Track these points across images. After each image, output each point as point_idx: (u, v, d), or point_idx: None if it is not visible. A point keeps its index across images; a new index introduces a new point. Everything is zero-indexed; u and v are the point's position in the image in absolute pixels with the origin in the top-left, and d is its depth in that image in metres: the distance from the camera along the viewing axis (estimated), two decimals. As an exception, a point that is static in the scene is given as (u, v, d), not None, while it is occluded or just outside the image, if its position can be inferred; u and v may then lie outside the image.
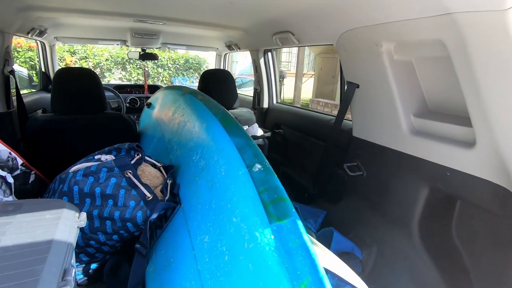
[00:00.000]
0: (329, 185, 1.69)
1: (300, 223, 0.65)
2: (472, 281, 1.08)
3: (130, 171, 1.09)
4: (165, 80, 8.23)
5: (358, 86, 1.38)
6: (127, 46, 3.24)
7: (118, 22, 2.23)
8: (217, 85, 2.27)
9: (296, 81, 9.15)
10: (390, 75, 1.18)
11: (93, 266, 1.21)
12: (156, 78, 8.04)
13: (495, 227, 1.02)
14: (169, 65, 8.14)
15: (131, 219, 1.02)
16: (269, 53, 2.47)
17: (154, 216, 1.00)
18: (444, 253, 1.14)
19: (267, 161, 0.89)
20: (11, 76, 1.87)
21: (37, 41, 2.74)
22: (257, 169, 0.85)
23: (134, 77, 7.78)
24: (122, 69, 7.70)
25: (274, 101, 2.62)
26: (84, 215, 0.82)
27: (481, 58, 0.78)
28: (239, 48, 2.72)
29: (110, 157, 1.16)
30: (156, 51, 3.40)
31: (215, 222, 0.82)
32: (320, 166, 1.71)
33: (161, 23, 2.13)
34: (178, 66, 8.22)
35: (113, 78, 7.60)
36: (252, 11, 1.64)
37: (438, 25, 0.87)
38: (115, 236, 1.08)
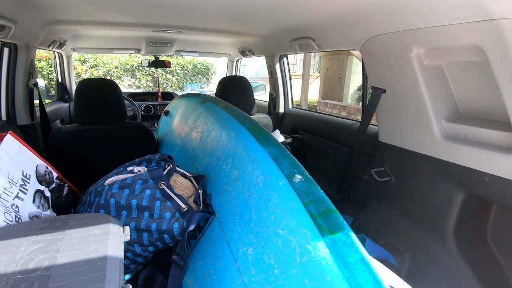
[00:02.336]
0: (353, 190, 1.67)
1: (354, 236, 0.64)
2: None
3: (163, 183, 1.09)
4: (174, 86, 8.30)
5: (384, 91, 1.37)
6: (141, 54, 3.29)
7: (136, 32, 2.26)
8: (235, 91, 2.27)
9: (303, 83, 9.14)
10: (420, 80, 1.17)
11: (127, 277, 1.22)
12: (165, 84, 8.12)
13: None
14: (178, 71, 8.23)
15: (168, 230, 1.02)
16: (285, 58, 2.47)
17: (192, 227, 1.00)
18: (482, 260, 1.12)
19: (306, 171, 0.89)
20: (34, 88, 1.90)
21: (55, 53, 2.79)
22: (298, 180, 0.85)
23: (143, 83, 7.87)
24: (131, 76, 7.80)
25: (290, 106, 2.62)
26: (127, 229, 0.82)
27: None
28: (253, 54, 2.73)
29: (143, 169, 1.17)
30: (166, 58, 3.44)
31: (258, 234, 0.82)
32: (344, 171, 1.70)
33: (179, 32, 2.16)
34: (187, 72, 8.30)
35: (123, 85, 7.69)
36: (273, 18, 1.65)
37: (477, 31, 0.86)
38: (150, 248, 1.08)
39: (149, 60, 3.28)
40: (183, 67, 8.26)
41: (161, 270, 1.20)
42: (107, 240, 0.72)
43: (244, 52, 2.83)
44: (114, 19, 1.77)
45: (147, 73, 7.83)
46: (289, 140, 1.92)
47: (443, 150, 1.16)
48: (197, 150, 1.49)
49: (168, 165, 1.21)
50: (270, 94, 2.64)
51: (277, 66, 2.47)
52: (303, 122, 2.33)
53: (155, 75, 7.66)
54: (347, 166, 1.67)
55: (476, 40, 0.89)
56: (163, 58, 3.42)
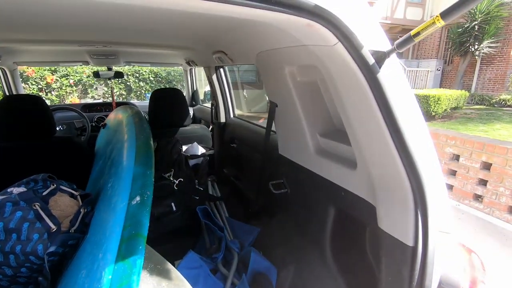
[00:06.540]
0: (266, 201, 1.70)
1: (140, 261, 0.67)
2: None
3: (38, 204, 1.10)
4: (147, 93, 8.28)
5: (277, 106, 1.40)
6: (91, 65, 3.29)
7: (77, 46, 2.26)
8: (167, 104, 2.30)
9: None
10: (294, 96, 1.21)
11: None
12: (138, 92, 8.10)
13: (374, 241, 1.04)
14: (151, 78, 8.21)
15: (32, 252, 1.03)
16: (221, 69, 2.50)
17: (52, 249, 1.01)
18: (353, 269, 1.16)
19: (151, 192, 0.92)
20: None
21: (-3, 67, 2.78)
22: (135, 202, 0.88)
23: (116, 92, 7.84)
24: (105, 85, 7.77)
25: (231, 115, 2.65)
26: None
27: (341, 82, 0.81)
28: (196, 65, 2.75)
29: (22, 189, 1.18)
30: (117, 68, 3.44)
31: (89, 257, 0.84)
32: (259, 182, 1.73)
33: (118, 46, 2.17)
34: (160, 79, 8.29)
35: (96, 94, 7.65)
36: (190, 32, 1.65)
37: (306, 53, 0.90)
38: (23, 269, 1.09)
39: (96, 71, 3.28)
40: (156, 74, 8.24)
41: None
42: None
43: (189, 63, 2.85)
44: (47, 37, 1.77)
45: (119, 81, 7.81)
46: (210, 152, 1.94)
47: (316, 164, 1.20)
48: (108, 166, 1.50)
49: (53, 185, 1.22)
50: (212, 104, 2.67)
51: (214, 77, 2.50)
52: (239, 131, 2.36)
53: (127, 83, 7.65)
54: (260, 177, 1.70)
55: (311, 61, 0.93)
56: (116, 68, 3.44)
